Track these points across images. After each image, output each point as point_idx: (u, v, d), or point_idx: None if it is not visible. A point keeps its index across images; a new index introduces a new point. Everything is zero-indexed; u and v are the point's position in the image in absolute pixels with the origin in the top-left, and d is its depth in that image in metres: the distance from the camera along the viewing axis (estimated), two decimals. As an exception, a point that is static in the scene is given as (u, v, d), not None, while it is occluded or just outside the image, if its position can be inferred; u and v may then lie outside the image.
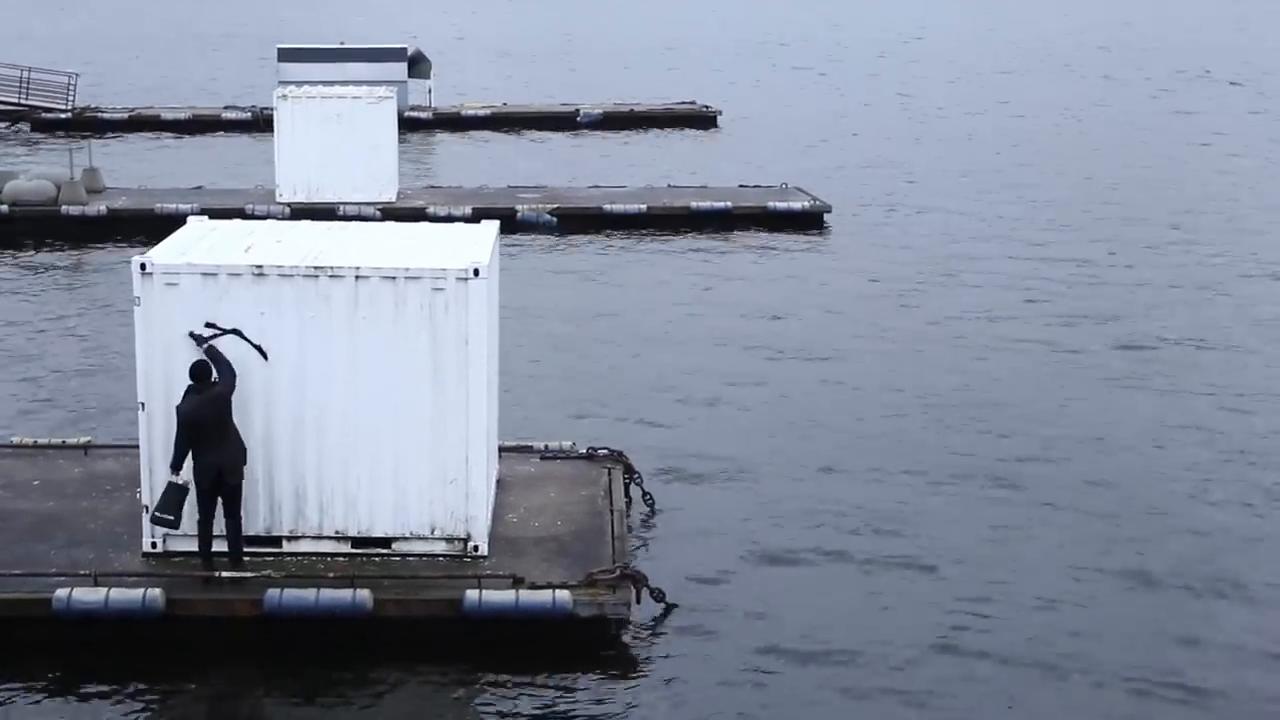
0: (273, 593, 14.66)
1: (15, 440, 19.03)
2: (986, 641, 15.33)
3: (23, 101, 55.62)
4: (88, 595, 14.54)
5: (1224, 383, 24.46)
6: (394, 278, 15.21)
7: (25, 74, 55.98)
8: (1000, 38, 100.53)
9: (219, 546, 15.22)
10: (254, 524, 15.45)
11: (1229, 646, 15.35)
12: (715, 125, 57.83)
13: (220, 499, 15.06)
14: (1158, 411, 22.92)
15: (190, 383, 14.83)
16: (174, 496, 14.95)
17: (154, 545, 15.48)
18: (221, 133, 54.62)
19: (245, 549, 15.34)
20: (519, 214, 36.24)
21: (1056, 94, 69.26)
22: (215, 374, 14.90)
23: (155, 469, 15.33)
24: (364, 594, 14.64)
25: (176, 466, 14.91)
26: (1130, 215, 39.48)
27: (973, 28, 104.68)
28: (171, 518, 15.01)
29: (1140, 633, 15.57)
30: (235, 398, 15.03)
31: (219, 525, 15.20)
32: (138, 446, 15.61)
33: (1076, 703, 14.24)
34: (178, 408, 14.84)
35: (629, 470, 18.45)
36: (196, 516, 15.11)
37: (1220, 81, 74.93)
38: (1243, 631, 15.69)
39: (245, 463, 15.07)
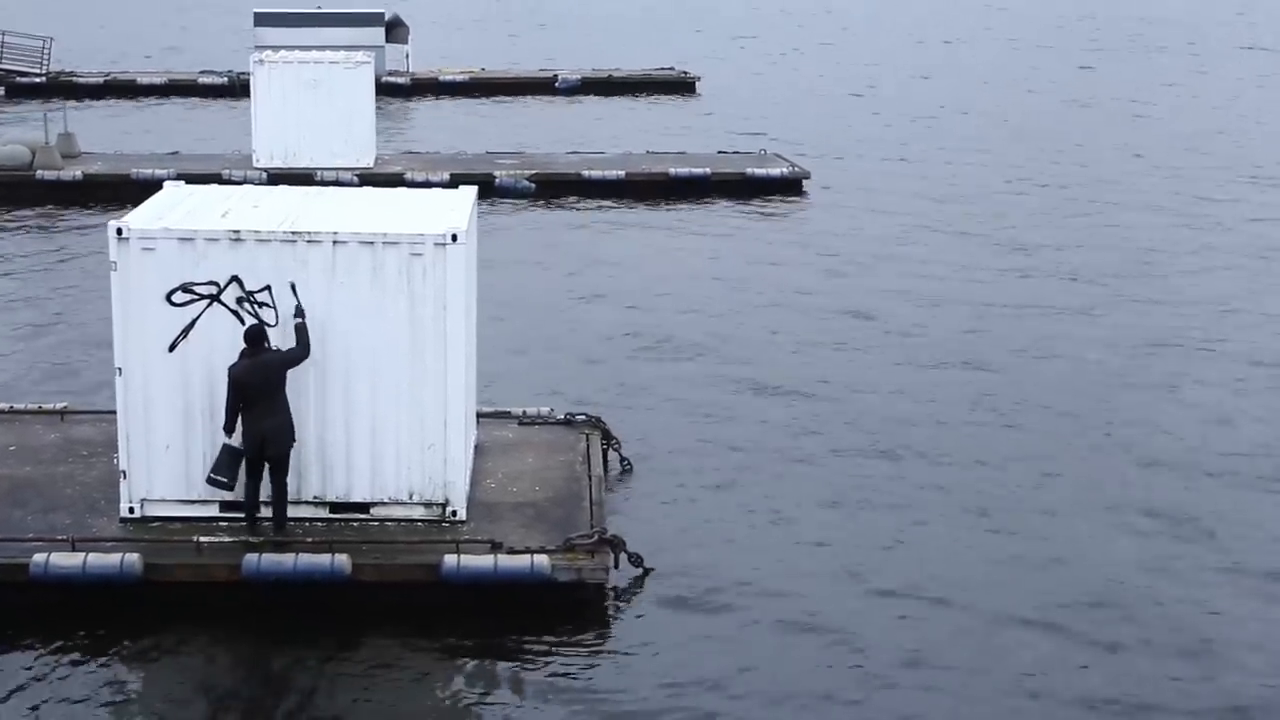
0: (250, 558, 14.66)
1: (-9, 406, 18.98)
2: (969, 602, 15.42)
3: (-4, 66, 55.27)
4: (65, 560, 14.52)
5: (1209, 343, 24.63)
6: (372, 243, 15.17)
7: (-1, 38, 55.61)
8: (982, 9, 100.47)
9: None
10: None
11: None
12: (694, 92, 57.69)
13: (268, 466, 15.09)
14: (1142, 371, 23.06)
15: (244, 345, 14.86)
16: (227, 458, 15.00)
17: (131, 510, 15.47)
18: (198, 98, 54.31)
19: (224, 515, 15.37)
20: (497, 180, 36.15)
21: (1034, 63, 69.31)
22: (282, 342, 14.94)
23: (132, 434, 15.32)
24: (342, 559, 14.65)
25: (228, 429, 14.94)
26: (1108, 178, 39.57)
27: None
28: (225, 479, 15.06)
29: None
30: (214, 363, 15.01)
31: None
32: (115, 412, 15.58)
33: (1071, 661, 14.35)
34: (229, 368, 14.84)
35: (607, 436, 18.48)
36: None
37: (1198, 50, 75.07)
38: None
39: (293, 438, 15.03)
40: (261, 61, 36.80)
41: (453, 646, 14.48)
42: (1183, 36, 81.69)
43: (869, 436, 20.24)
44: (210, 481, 15.14)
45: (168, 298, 15.09)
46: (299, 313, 15.05)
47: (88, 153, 38.41)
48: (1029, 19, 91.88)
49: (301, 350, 14.96)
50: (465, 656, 14.35)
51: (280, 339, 15.12)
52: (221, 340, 15.13)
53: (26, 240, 31.81)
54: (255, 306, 15.16)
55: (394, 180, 33.85)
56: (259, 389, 14.78)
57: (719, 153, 40.53)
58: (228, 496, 15.34)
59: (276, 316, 15.16)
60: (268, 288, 15.12)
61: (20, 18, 66.66)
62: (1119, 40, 79.73)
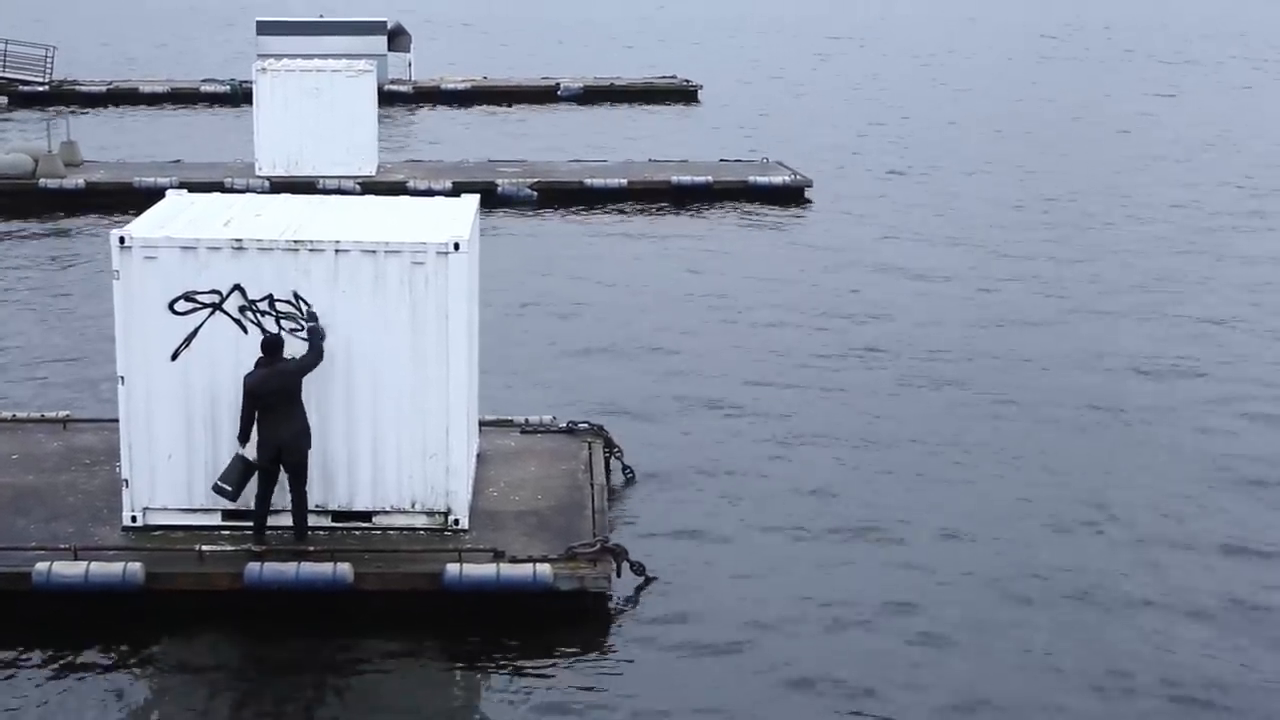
0: (253, 566, 14.65)
1: (-7, 414, 18.97)
2: (975, 608, 15.40)
3: (-1, 74, 55.37)
4: (67, 569, 14.51)
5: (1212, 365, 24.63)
6: (374, 251, 15.18)
7: (2, 46, 55.68)
8: (984, 18, 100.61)
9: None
10: (234, 498, 15.46)
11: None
12: (696, 100, 57.77)
13: (286, 475, 15.06)
14: (1142, 377, 23.05)
15: (260, 355, 14.84)
16: (237, 468, 14.96)
17: (133, 519, 15.46)
18: (200, 106, 54.41)
19: (226, 523, 15.38)
20: (499, 188, 36.18)
21: (1034, 73, 69.37)
22: (312, 348, 14.92)
23: (134, 443, 15.31)
24: (344, 568, 14.64)
25: (242, 438, 14.90)
26: (1111, 188, 39.58)
27: (956, 9, 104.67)
28: (230, 488, 14.99)
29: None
30: (217, 372, 15.03)
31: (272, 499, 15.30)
32: (117, 420, 15.58)
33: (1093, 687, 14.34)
34: (244, 377, 14.82)
35: (609, 444, 18.47)
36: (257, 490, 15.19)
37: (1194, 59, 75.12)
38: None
39: (309, 445, 15.00)
40: (264, 70, 36.87)
41: (455, 655, 14.46)
42: (1181, 44, 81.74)
43: (872, 446, 20.22)
44: (215, 488, 15.11)
45: (170, 306, 15.10)
46: (310, 317, 15.04)
47: (90, 161, 38.48)
48: (1028, 29, 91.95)
49: (314, 355, 14.94)
50: (467, 665, 14.34)
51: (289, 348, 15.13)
52: (224, 349, 15.14)
53: (29, 249, 31.83)
54: (258, 315, 15.17)
55: (396, 189, 33.93)
56: (275, 397, 14.75)
57: (721, 161, 40.55)
58: (228, 505, 15.35)
59: (278, 325, 15.16)
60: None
61: (23, 27, 66.79)
62: (1117, 50, 79.78)
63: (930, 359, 24.20)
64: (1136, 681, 14.16)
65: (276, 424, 14.80)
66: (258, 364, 14.87)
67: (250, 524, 15.35)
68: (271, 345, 14.86)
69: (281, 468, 15.05)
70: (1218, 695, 13.95)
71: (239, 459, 14.96)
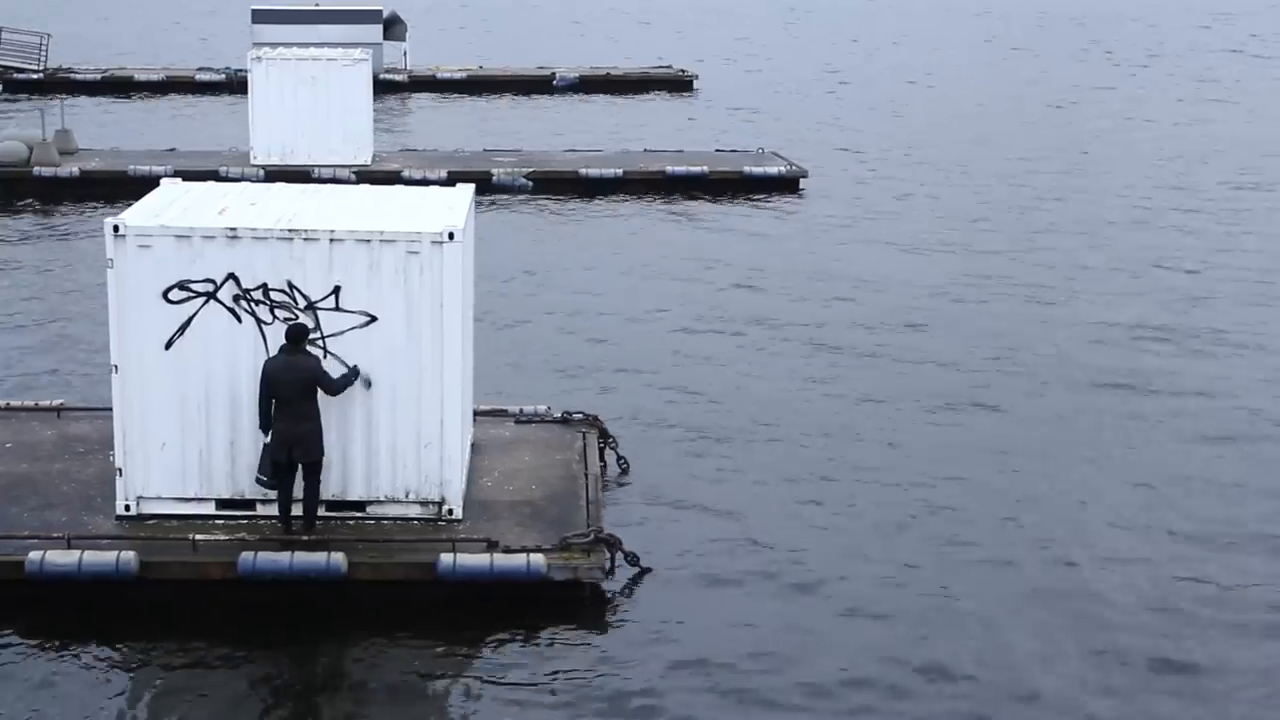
0: (246, 556, 14.65)
1: (-13, 402, 18.96)
2: (969, 596, 15.43)
3: (-6, 61, 55.25)
4: (61, 558, 14.51)
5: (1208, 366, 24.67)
6: (369, 240, 15.16)
7: (-4, 34, 55.61)
8: (977, 9, 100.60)
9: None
10: (228, 487, 15.45)
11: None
12: (692, 89, 57.73)
13: (300, 468, 15.07)
14: (1137, 372, 23.08)
15: (285, 342, 14.85)
16: (268, 458, 14.99)
17: (127, 508, 15.46)
18: (195, 94, 54.30)
19: (220, 512, 15.39)
20: (495, 177, 36.16)
21: (1031, 65, 69.36)
22: (321, 356, 15.01)
23: (128, 431, 15.30)
24: (338, 557, 14.64)
25: (263, 427, 14.94)
26: (1106, 175, 39.59)
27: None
28: (268, 478, 15.07)
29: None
30: (211, 361, 15.02)
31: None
32: (111, 409, 15.57)
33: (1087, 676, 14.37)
34: (265, 361, 14.86)
35: (604, 434, 18.47)
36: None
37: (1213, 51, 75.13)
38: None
39: (321, 449, 14.99)
40: (259, 58, 36.80)
41: (448, 645, 14.45)
42: (1182, 39, 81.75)
43: (865, 437, 20.24)
44: (259, 482, 15.16)
45: (164, 295, 15.08)
46: (355, 372, 15.11)
47: (85, 149, 38.41)
48: (1024, 21, 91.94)
49: (337, 384, 14.96)
50: (461, 655, 14.34)
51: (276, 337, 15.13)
52: (218, 338, 15.13)
53: (23, 237, 31.77)
54: (252, 304, 15.16)
55: (391, 178, 33.86)
56: (289, 389, 14.75)
57: (716, 151, 40.55)
58: (224, 494, 15.39)
59: (273, 314, 15.15)
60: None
61: (18, 14, 66.63)
62: (1114, 42, 79.78)
63: (928, 350, 24.19)
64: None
65: (290, 419, 14.80)
66: (281, 349, 14.87)
67: (244, 514, 15.38)
68: (296, 333, 14.84)
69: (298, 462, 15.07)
70: None
71: (267, 449, 15.00)
